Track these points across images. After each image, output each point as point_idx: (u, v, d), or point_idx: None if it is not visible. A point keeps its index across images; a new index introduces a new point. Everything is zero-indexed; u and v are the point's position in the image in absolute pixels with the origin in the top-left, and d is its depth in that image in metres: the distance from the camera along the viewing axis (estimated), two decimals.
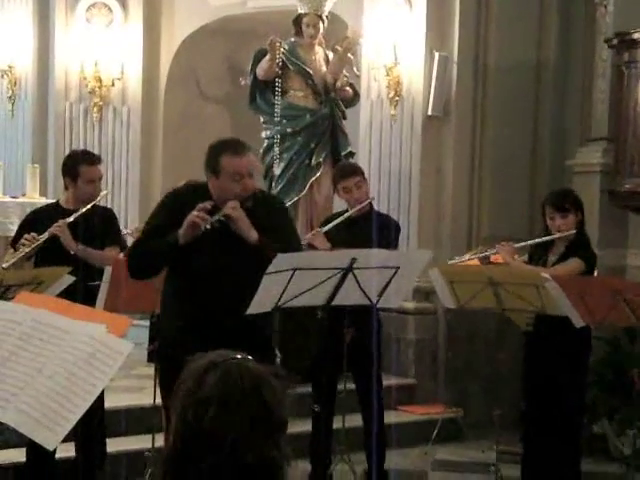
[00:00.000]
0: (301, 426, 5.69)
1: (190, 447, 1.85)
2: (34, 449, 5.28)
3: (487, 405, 7.25)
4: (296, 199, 7.51)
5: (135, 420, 6.05)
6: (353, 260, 3.87)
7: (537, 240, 5.80)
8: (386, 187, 7.64)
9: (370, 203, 5.91)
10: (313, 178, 7.57)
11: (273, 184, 7.62)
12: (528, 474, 5.83)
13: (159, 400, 5.59)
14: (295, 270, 3.82)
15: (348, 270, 3.90)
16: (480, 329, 7.22)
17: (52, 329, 2.74)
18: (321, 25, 7.69)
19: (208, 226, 4.06)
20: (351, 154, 7.66)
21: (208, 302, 4.12)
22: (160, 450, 5.55)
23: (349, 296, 4.02)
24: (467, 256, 6.13)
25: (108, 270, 5.16)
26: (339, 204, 6.91)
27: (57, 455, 5.31)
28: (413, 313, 7.45)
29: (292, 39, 7.72)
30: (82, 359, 2.64)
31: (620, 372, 6.62)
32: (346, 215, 5.82)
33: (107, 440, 5.55)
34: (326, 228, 5.78)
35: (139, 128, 8.89)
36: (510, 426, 6.61)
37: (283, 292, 3.89)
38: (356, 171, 5.97)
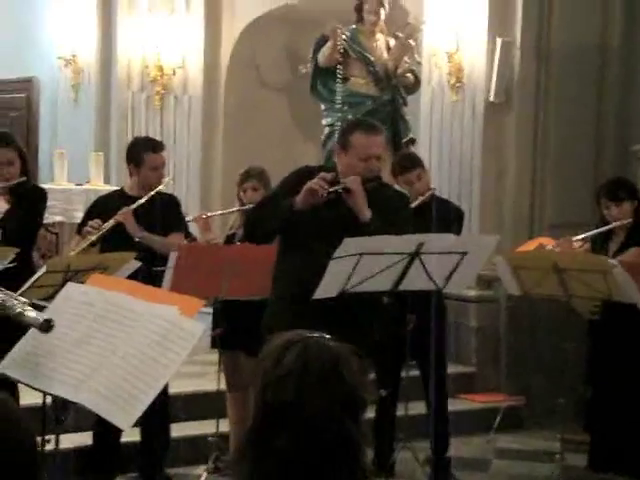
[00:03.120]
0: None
1: (269, 424, 1.86)
2: (100, 433, 5.35)
3: (549, 394, 7.19)
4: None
5: (199, 406, 6.09)
6: (420, 245, 3.85)
7: (595, 231, 5.78)
8: (447, 174, 7.59)
9: (432, 194, 5.89)
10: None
11: None
12: (596, 463, 5.77)
13: (223, 386, 5.66)
14: (361, 255, 3.81)
15: (415, 255, 3.88)
16: (542, 317, 7.14)
17: (125, 311, 2.77)
18: (382, 11, 7.66)
19: (326, 194, 4.11)
20: (412, 141, 7.63)
21: (310, 283, 4.08)
22: (224, 436, 5.61)
23: (415, 281, 4.00)
24: None
25: (173, 256, 5.20)
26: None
27: (122, 440, 5.39)
28: (475, 300, 7.40)
29: (353, 26, 7.70)
30: (155, 341, 2.66)
31: None
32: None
33: (171, 426, 5.60)
34: None
35: (200, 116, 8.94)
36: (573, 415, 6.56)
37: (349, 277, 3.88)
38: (416, 163, 5.92)
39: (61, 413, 2.78)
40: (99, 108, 9.10)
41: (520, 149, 7.55)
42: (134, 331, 2.69)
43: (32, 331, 2.92)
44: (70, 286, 2.95)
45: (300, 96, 8.87)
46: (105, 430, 5.27)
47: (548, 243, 6.14)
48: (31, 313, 2.37)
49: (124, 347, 2.67)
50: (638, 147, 7.49)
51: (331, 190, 4.14)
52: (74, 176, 8.50)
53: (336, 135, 7.51)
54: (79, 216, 7.32)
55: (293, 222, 4.20)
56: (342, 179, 4.22)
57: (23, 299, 2.49)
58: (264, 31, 9.05)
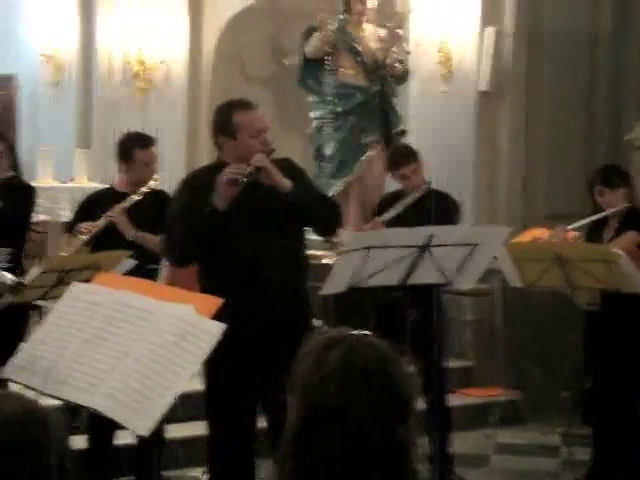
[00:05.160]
0: None
1: (313, 426, 1.74)
2: (95, 436, 5.22)
3: (546, 386, 7.12)
4: (348, 179, 7.37)
5: (195, 406, 5.94)
6: (430, 237, 3.74)
7: (589, 219, 5.70)
8: (438, 165, 7.47)
9: (428, 187, 5.79)
10: (365, 157, 7.44)
11: (323, 164, 7.48)
12: (599, 456, 5.69)
13: None
14: (369, 249, 3.69)
15: (425, 247, 3.76)
16: (538, 309, 7.06)
17: (136, 310, 2.64)
18: (370, 1, 7.54)
19: (244, 180, 3.89)
20: (402, 132, 7.52)
21: (247, 279, 3.96)
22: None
23: (425, 275, 3.89)
24: None
25: None
26: (391, 183, 6.78)
27: (118, 442, 5.26)
28: (469, 294, 7.29)
29: (341, 16, 7.58)
30: (170, 341, 2.53)
31: None
32: (405, 203, 5.67)
33: (167, 427, 5.46)
34: (385, 217, 5.64)
35: (184, 111, 8.80)
36: (571, 407, 6.48)
37: (357, 272, 3.76)
38: (412, 157, 5.81)
39: (73, 418, 2.64)
40: (81, 104, 8.93)
41: (512, 139, 7.46)
42: (148, 332, 2.56)
43: (38, 333, 2.79)
44: (76, 286, 2.81)
45: (284, 89, 8.75)
46: (100, 432, 5.16)
47: (542, 234, 6.05)
48: (2, 277, 2.23)
49: (138, 348, 2.54)
50: (631, 136, 7.42)
51: (246, 173, 3.92)
52: (56, 174, 8.33)
53: (326, 128, 7.41)
54: (65, 215, 7.20)
55: (221, 222, 3.99)
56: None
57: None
58: (248, 23, 8.93)
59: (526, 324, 7.25)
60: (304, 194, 3.98)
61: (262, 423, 4.18)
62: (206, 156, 8.92)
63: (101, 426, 4.89)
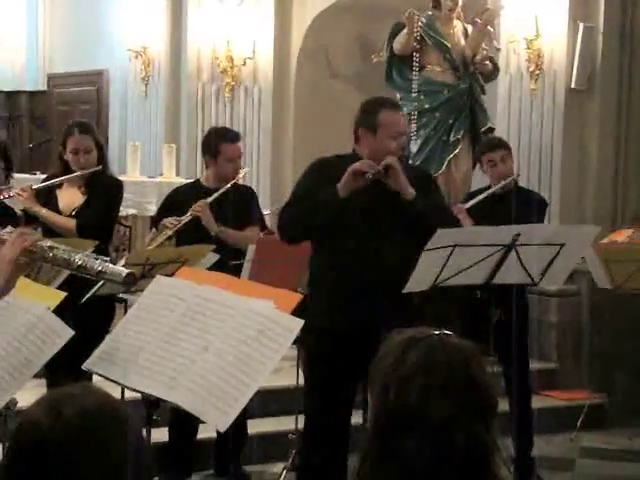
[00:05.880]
0: None
1: (394, 427, 1.71)
2: (177, 429, 5.25)
3: (633, 391, 6.96)
4: (434, 176, 7.29)
5: (276, 402, 5.96)
6: (516, 236, 3.67)
7: None
8: (526, 163, 7.38)
9: (514, 180, 5.68)
10: (451, 155, 7.36)
11: (410, 161, 7.41)
12: None
13: (301, 381, 5.52)
14: (455, 246, 3.64)
15: (511, 247, 3.69)
16: (627, 312, 6.90)
17: (217, 305, 2.63)
18: None
19: (371, 176, 3.96)
20: (490, 130, 7.42)
21: (357, 273, 4.02)
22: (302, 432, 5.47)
23: (510, 275, 3.82)
24: None
25: (252, 249, 5.08)
26: (478, 182, 6.70)
27: (198, 436, 5.29)
28: (555, 295, 7.17)
29: (429, 12, 7.50)
30: (250, 337, 2.52)
31: None
32: (490, 191, 5.58)
33: (249, 421, 5.48)
34: (469, 204, 5.55)
35: (270, 107, 8.82)
36: None
37: (442, 269, 3.71)
38: (502, 144, 5.74)
39: (153, 411, 2.65)
40: (169, 100, 9.02)
41: (602, 138, 7.31)
42: (228, 326, 2.56)
43: (120, 325, 2.80)
44: (159, 279, 2.83)
45: (371, 85, 8.68)
46: (182, 426, 5.20)
47: (626, 236, 5.92)
48: (112, 268, 2.25)
49: (217, 343, 2.53)
50: None
51: (375, 171, 3.99)
52: (144, 169, 8.44)
53: (412, 125, 7.35)
54: (152, 209, 7.27)
55: (339, 210, 4.05)
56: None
57: (103, 257, 2.38)
58: (335, 20, 8.90)
59: (614, 327, 7.09)
60: (425, 205, 4.00)
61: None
62: (291, 152, 8.97)
63: (183, 420, 4.91)
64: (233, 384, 2.47)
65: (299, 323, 2.52)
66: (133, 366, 2.60)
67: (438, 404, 1.70)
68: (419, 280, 3.70)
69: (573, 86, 7.21)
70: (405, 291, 3.73)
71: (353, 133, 4.25)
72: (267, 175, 8.81)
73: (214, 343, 2.55)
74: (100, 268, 2.28)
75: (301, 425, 5.46)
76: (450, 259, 3.68)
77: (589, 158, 7.34)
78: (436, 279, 3.74)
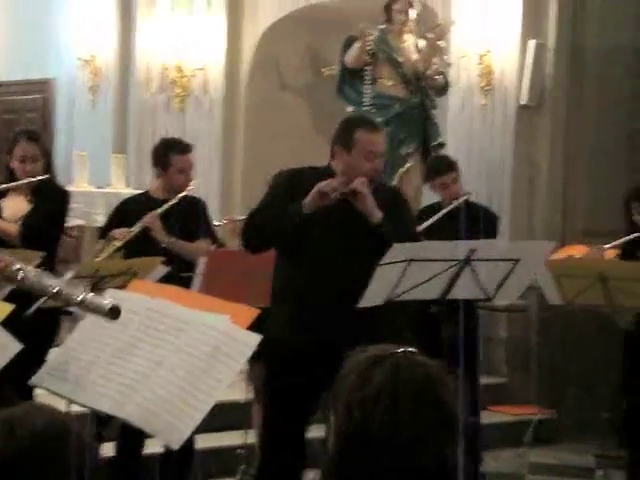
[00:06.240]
0: None
1: (357, 449, 1.66)
2: (123, 444, 5.16)
3: (582, 406, 6.99)
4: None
5: (225, 416, 5.87)
6: (472, 251, 3.66)
7: (627, 238, 5.61)
8: (476, 179, 7.39)
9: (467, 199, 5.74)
10: (402, 169, 7.36)
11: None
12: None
13: (251, 396, 5.46)
14: (410, 261, 3.62)
15: (466, 262, 3.68)
16: (576, 327, 6.93)
17: (171, 320, 2.56)
18: (411, 12, 7.46)
19: (339, 196, 3.94)
20: (441, 145, 7.43)
21: (322, 287, 4.01)
22: (252, 447, 5.41)
23: (464, 290, 3.80)
24: None
25: (202, 262, 5.01)
26: (429, 195, 6.69)
27: (145, 451, 5.20)
28: (504, 310, 7.18)
29: (382, 26, 7.50)
30: (205, 352, 2.46)
31: None
32: (443, 212, 5.63)
33: (196, 436, 5.40)
34: (422, 227, 5.59)
35: (221, 118, 8.76)
36: (607, 429, 6.35)
37: (397, 284, 3.68)
38: (453, 167, 5.82)
39: (102, 428, 2.58)
40: (118, 110, 8.93)
41: (552, 154, 7.37)
42: (182, 341, 2.49)
43: (70, 339, 2.72)
44: (112, 292, 2.75)
45: (322, 98, 8.69)
46: (128, 440, 5.10)
47: (579, 252, 5.94)
48: (95, 300, 2.09)
49: (171, 359, 2.46)
50: None
51: (341, 192, 3.96)
52: (92, 179, 8.32)
53: None
54: (100, 220, 7.16)
55: (301, 226, 4.03)
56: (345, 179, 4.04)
57: (82, 286, 2.23)
58: (286, 32, 8.87)
59: (563, 342, 7.13)
60: (390, 229, 3.98)
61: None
62: (241, 164, 8.91)
63: (130, 435, 4.83)
64: (187, 401, 2.40)
65: (256, 339, 2.46)
66: (84, 382, 2.52)
67: (406, 425, 1.65)
68: (374, 294, 3.67)
69: (523, 102, 7.25)
70: (360, 306, 3.70)
71: (330, 148, 4.21)
72: (217, 186, 8.74)
73: (168, 358, 2.49)
74: (80, 298, 2.11)
75: (250, 440, 5.41)
76: (406, 274, 3.65)
77: (539, 173, 7.38)
78: (391, 293, 3.71)
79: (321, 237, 4.04)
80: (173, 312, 2.58)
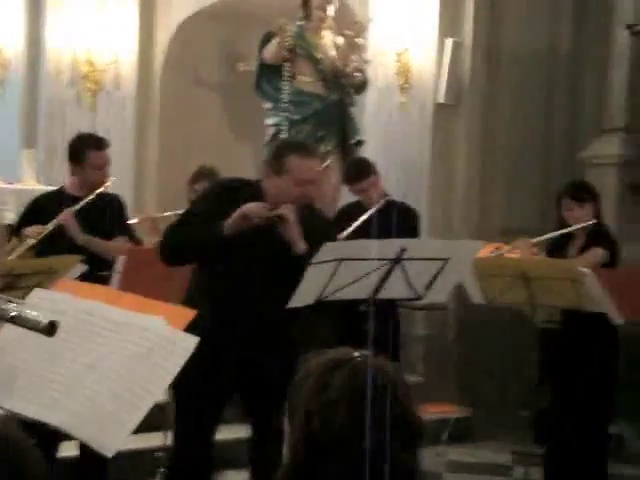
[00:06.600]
0: None
1: (316, 456, 1.59)
2: (38, 446, 4.99)
3: (498, 404, 7.03)
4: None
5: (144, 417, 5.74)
6: (402, 250, 3.61)
7: (556, 233, 5.61)
8: (394, 176, 7.38)
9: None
10: (320, 167, 7.29)
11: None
12: (551, 476, 5.60)
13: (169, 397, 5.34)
14: (341, 260, 3.56)
15: (397, 261, 3.64)
16: (493, 326, 6.97)
17: (103, 321, 2.46)
18: (329, 8, 7.41)
19: (258, 220, 3.88)
20: (359, 143, 7.40)
21: (238, 305, 4.00)
22: (170, 449, 5.29)
23: (395, 289, 3.75)
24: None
25: (121, 260, 4.87)
26: (348, 194, 6.65)
27: (59, 454, 5.05)
28: (422, 308, 7.18)
29: (300, 22, 7.43)
30: (139, 355, 2.36)
31: None
32: (364, 218, 5.63)
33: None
34: (345, 234, 5.57)
35: (134, 114, 8.58)
36: (523, 426, 6.40)
37: (327, 284, 3.62)
38: (369, 171, 5.82)
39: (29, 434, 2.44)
40: (26, 103, 8.67)
41: (468, 153, 7.41)
42: (115, 344, 2.38)
43: None
44: (38, 292, 2.62)
45: (237, 94, 8.59)
46: (43, 444, 4.94)
47: (501, 248, 5.96)
48: (30, 315, 1.94)
49: (104, 362, 2.36)
50: (586, 153, 7.40)
51: (265, 217, 3.90)
52: (0, 174, 8.06)
53: (282, 136, 7.26)
54: (10, 217, 6.93)
55: (221, 247, 3.96)
56: (272, 203, 3.98)
57: (16, 299, 2.06)
58: (200, 27, 8.74)
59: (480, 341, 7.17)
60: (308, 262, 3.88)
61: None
62: (155, 160, 8.74)
63: (44, 437, 4.67)
64: (122, 406, 2.30)
65: (193, 341, 2.37)
66: (10, 387, 2.40)
67: (365, 431, 1.59)
68: (304, 294, 3.60)
69: (441, 101, 7.27)
70: (289, 306, 3.63)
71: (262, 166, 4.18)
72: (130, 183, 8.55)
73: (100, 362, 2.38)
74: (15, 313, 1.96)
75: (169, 442, 5.28)
76: (337, 273, 3.59)
77: (456, 172, 7.41)
78: (321, 293, 3.65)
79: (241, 257, 3.97)
80: (105, 314, 2.48)
